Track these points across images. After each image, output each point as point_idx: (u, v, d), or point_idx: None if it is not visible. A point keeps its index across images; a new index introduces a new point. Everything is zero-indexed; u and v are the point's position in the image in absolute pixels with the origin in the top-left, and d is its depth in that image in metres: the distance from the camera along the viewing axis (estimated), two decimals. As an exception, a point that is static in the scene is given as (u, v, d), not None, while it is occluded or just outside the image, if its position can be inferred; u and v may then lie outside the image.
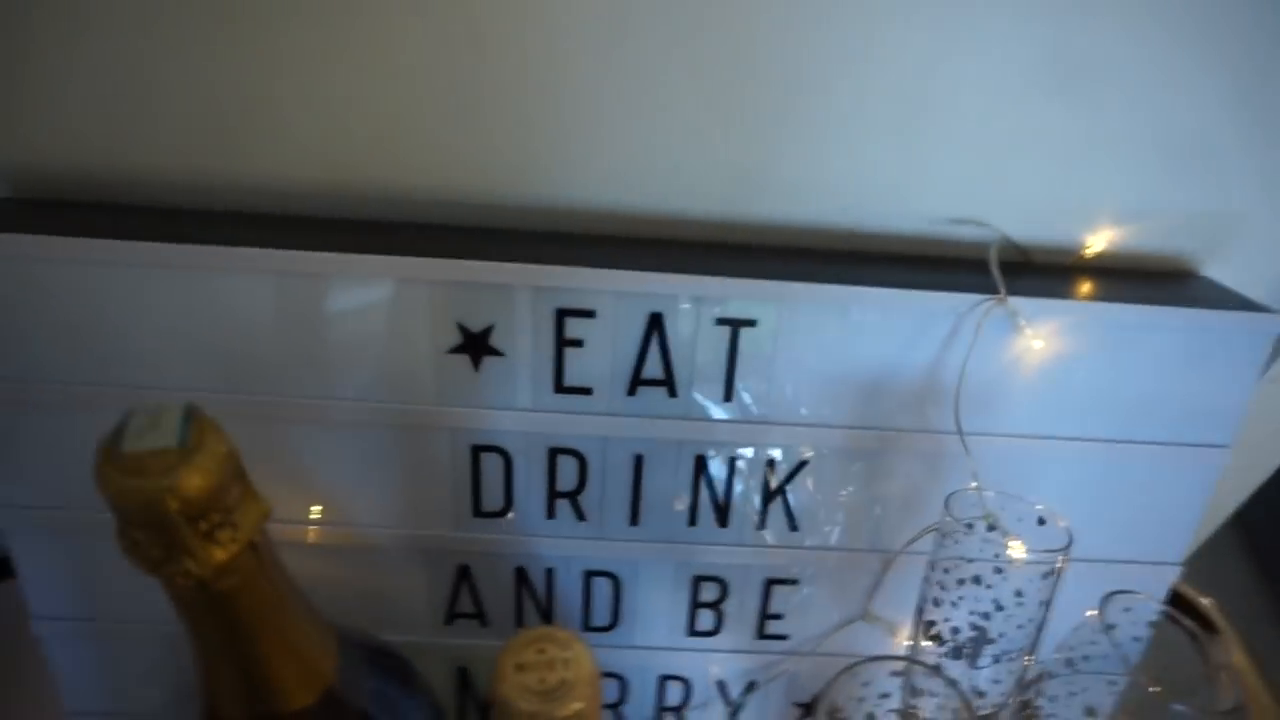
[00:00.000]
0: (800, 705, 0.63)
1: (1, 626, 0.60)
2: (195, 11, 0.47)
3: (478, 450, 0.52)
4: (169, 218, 0.51)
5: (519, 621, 0.58)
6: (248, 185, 0.52)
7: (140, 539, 0.28)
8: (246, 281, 0.47)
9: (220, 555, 0.29)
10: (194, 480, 0.28)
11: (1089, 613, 0.40)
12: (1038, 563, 0.43)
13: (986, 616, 0.43)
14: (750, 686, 0.61)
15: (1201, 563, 0.58)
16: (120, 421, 0.29)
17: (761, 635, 0.59)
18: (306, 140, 0.51)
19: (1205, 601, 0.61)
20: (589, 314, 0.48)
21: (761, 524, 0.55)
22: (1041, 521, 0.45)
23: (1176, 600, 0.61)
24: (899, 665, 0.36)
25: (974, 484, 0.49)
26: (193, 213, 0.52)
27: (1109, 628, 0.39)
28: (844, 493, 0.54)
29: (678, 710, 0.62)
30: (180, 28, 0.47)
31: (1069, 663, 0.39)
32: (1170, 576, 0.57)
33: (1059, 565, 0.43)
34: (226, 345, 0.49)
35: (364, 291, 0.48)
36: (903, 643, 0.59)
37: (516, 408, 0.51)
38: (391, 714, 0.43)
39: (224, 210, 0.52)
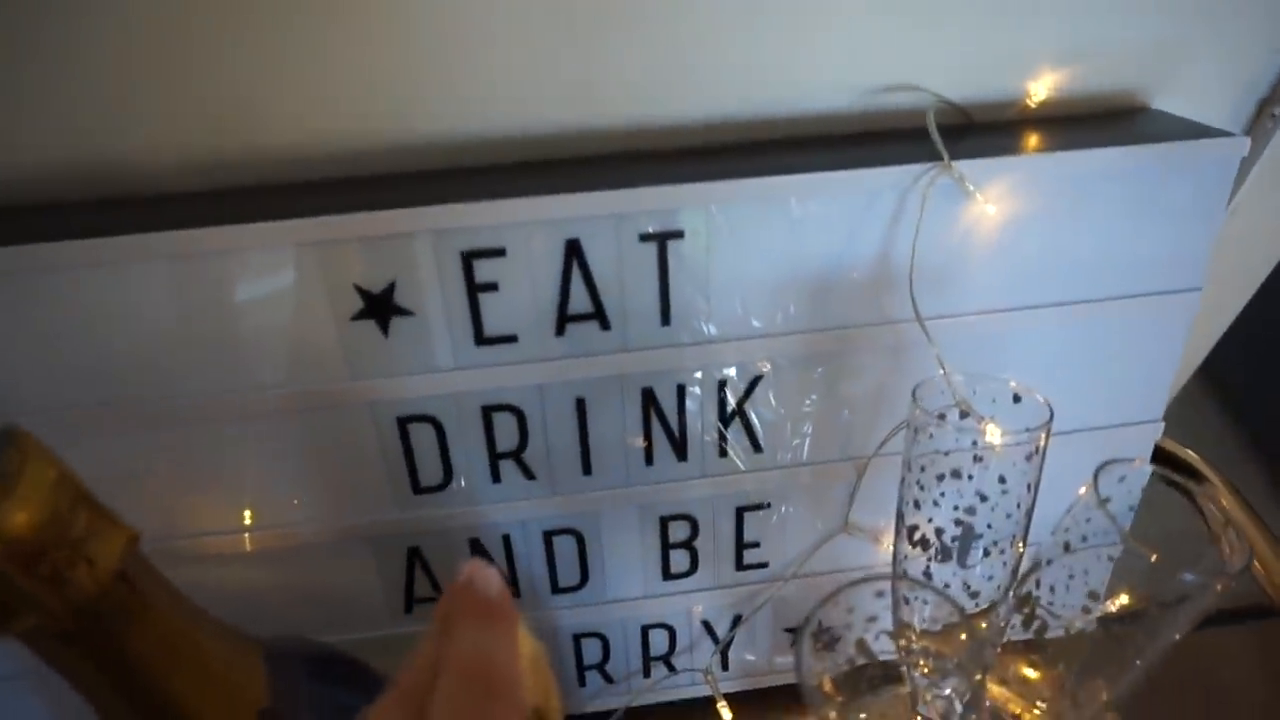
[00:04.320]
0: (791, 630, 0.60)
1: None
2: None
3: (404, 422, 0.47)
4: (15, 215, 0.45)
5: (483, 596, 0.54)
6: (88, 169, 0.46)
7: (-32, 598, 0.23)
8: (117, 274, 0.41)
9: (75, 596, 0.24)
10: (16, 518, 0.23)
11: (1081, 489, 0.36)
12: (1018, 444, 0.40)
13: (971, 511, 0.40)
14: (736, 621, 0.58)
15: (1172, 413, 0.55)
16: (-82, 460, 0.24)
17: (740, 566, 0.56)
18: (154, 112, 0.44)
19: (1190, 454, 0.58)
20: (499, 252, 0.43)
21: (723, 451, 0.51)
22: (1017, 399, 0.42)
23: (1160, 456, 0.58)
24: (881, 585, 0.33)
25: (941, 371, 0.45)
26: (36, 207, 0.46)
27: (1104, 501, 0.36)
28: (806, 403, 0.50)
29: (665, 658, 0.59)
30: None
31: (1065, 546, 0.36)
32: (1153, 435, 0.55)
33: (1041, 443, 0.39)
34: (108, 348, 0.43)
35: (249, 267, 0.42)
36: (888, 549, 0.56)
37: (438, 369, 0.46)
38: (347, 723, 0.38)
39: (70, 201, 0.46)
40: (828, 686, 0.33)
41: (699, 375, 0.48)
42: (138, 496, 0.47)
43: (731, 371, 0.48)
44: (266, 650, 0.36)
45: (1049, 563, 0.36)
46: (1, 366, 0.43)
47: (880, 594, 0.33)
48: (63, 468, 0.25)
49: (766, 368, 0.49)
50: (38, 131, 0.44)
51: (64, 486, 0.24)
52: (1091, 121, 0.51)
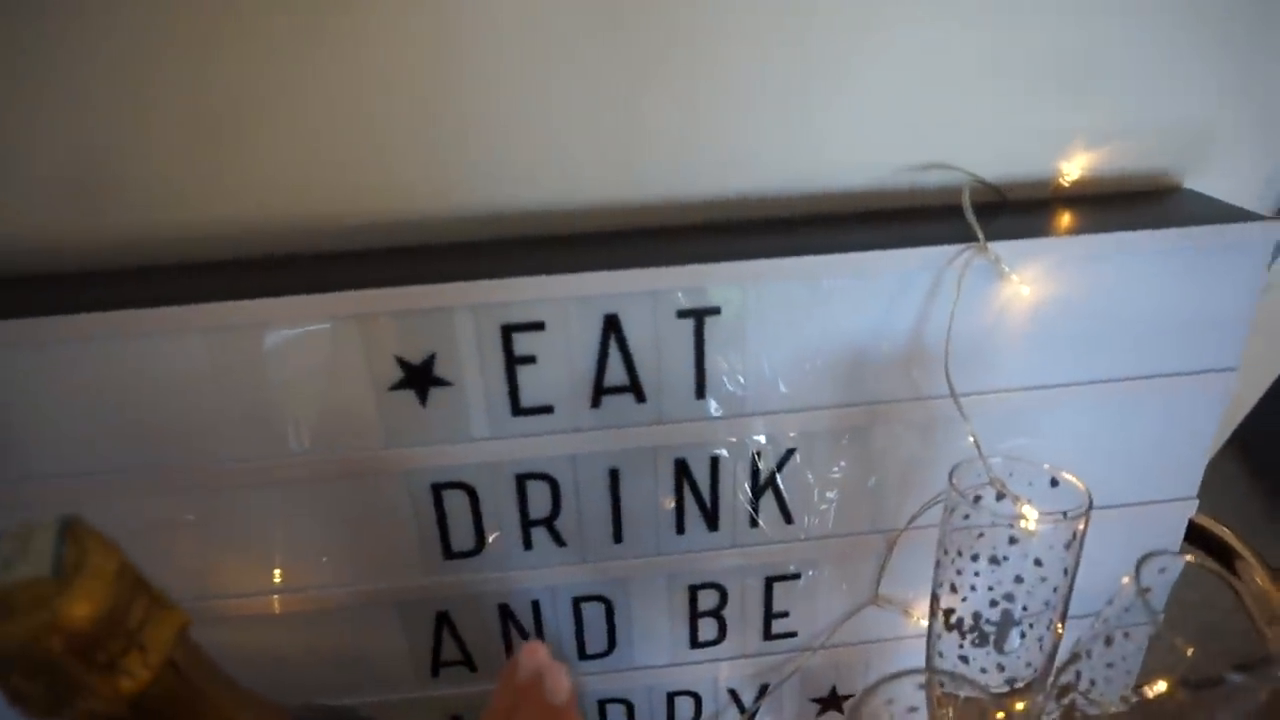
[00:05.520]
0: (817, 700, 0.59)
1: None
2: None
3: (439, 489, 0.47)
4: (52, 285, 0.46)
5: (510, 661, 0.53)
6: (132, 239, 0.47)
7: (25, 688, 0.23)
8: (161, 344, 0.42)
9: (129, 685, 0.25)
10: (77, 609, 0.23)
11: (1123, 580, 0.36)
12: (1056, 529, 0.40)
13: (1010, 597, 0.40)
14: (763, 690, 0.57)
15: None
16: (-18, 550, 0.24)
17: (768, 636, 0.55)
18: (197, 183, 0.46)
19: (1225, 530, 0.58)
20: (538, 326, 0.44)
21: (754, 521, 0.51)
22: (1054, 483, 0.41)
23: (1192, 531, 0.58)
24: (921, 678, 0.32)
25: (978, 452, 0.45)
26: (71, 276, 0.47)
27: (1144, 591, 0.35)
28: (837, 475, 0.50)
29: (692, 725, 0.58)
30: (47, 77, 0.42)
31: (1107, 640, 0.35)
32: (1187, 512, 0.54)
33: (1080, 530, 0.39)
34: (144, 414, 0.44)
35: (291, 337, 0.43)
36: (918, 622, 0.55)
37: (474, 438, 0.46)
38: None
39: (102, 270, 0.47)
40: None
41: (732, 447, 0.48)
42: (169, 557, 0.47)
43: (764, 443, 0.49)
44: (300, 723, 0.36)
45: (1089, 655, 0.36)
46: (38, 431, 0.43)
47: (921, 686, 0.33)
48: (123, 558, 0.25)
49: (797, 440, 0.49)
50: (68, 200, 0.45)
51: (122, 576, 0.25)
52: (1124, 201, 0.51)
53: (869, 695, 0.31)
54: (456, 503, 0.48)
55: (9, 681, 0.24)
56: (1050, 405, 0.49)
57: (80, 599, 0.23)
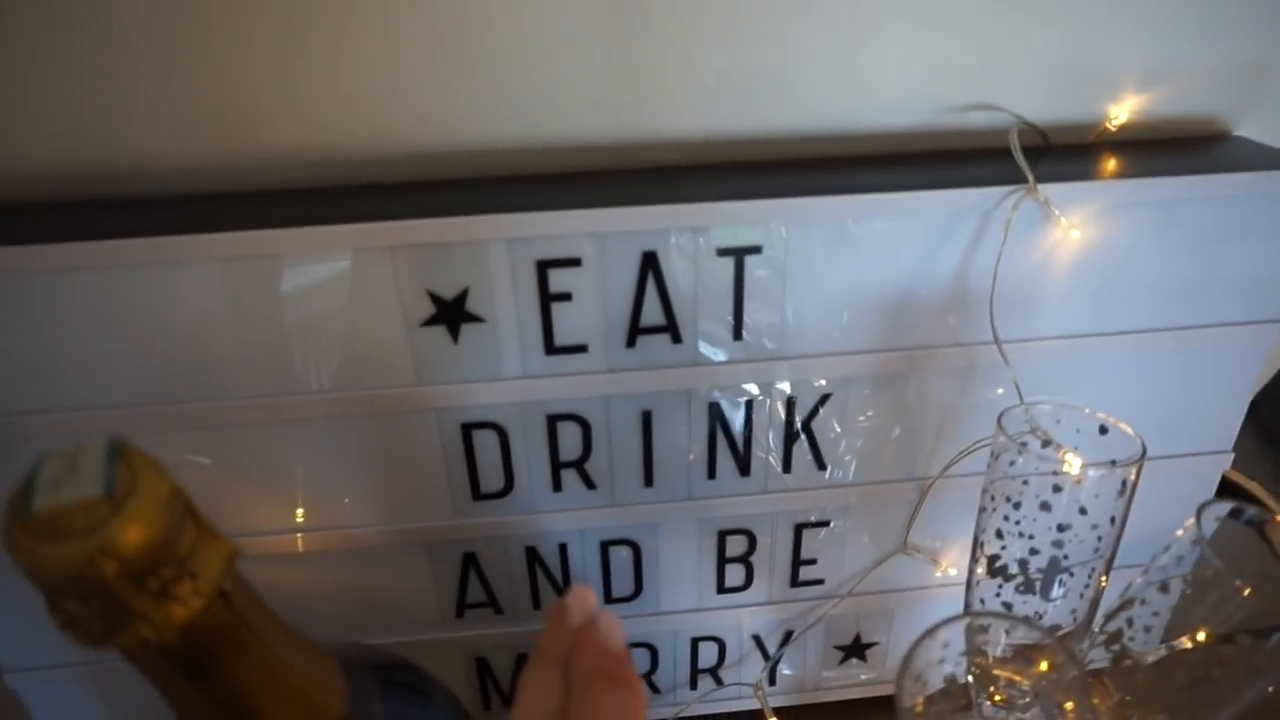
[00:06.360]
0: (840, 648, 0.59)
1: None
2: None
3: (469, 428, 0.46)
4: (77, 212, 0.44)
5: (535, 605, 0.53)
6: (165, 166, 0.45)
7: (77, 612, 0.23)
8: (186, 273, 0.41)
9: (181, 613, 0.24)
10: (132, 533, 0.22)
11: (1179, 531, 0.35)
12: (1104, 475, 0.39)
13: (1059, 544, 0.39)
14: (788, 637, 0.57)
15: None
16: (29, 471, 0.23)
17: (795, 583, 0.55)
18: (229, 106, 0.44)
19: (1256, 486, 0.57)
20: (574, 262, 0.42)
21: (786, 467, 0.50)
22: (1104, 430, 0.41)
23: (1224, 487, 0.57)
24: (987, 620, 0.32)
25: (1017, 395, 0.45)
26: (104, 203, 0.45)
27: (1202, 540, 0.35)
28: (872, 422, 0.50)
29: (713, 671, 0.58)
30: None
31: (1164, 587, 0.35)
32: (1222, 466, 0.54)
33: (1132, 477, 0.38)
34: (173, 349, 0.43)
35: (320, 268, 0.42)
36: (946, 571, 0.55)
37: (505, 377, 0.45)
38: (412, 734, 0.38)
39: (140, 197, 0.46)
40: (920, 707, 0.33)
41: (768, 390, 0.47)
42: (193, 493, 0.46)
43: (800, 388, 0.48)
44: (341, 662, 0.35)
45: (1143, 602, 0.35)
46: (56, 366, 0.42)
47: (983, 629, 0.32)
48: (174, 482, 0.24)
49: (834, 386, 0.48)
50: (74, 126, 0.44)
51: (174, 500, 0.24)
52: (1171, 147, 0.50)
53: (927, 639, 0.31)
54: (486, 443, 0.47)
55: (60, 605, 0.23)
56: (1089, 354, 0.48)
57: (135, 521, 0.22)
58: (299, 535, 0.49)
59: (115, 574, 0.22)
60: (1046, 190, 0.43)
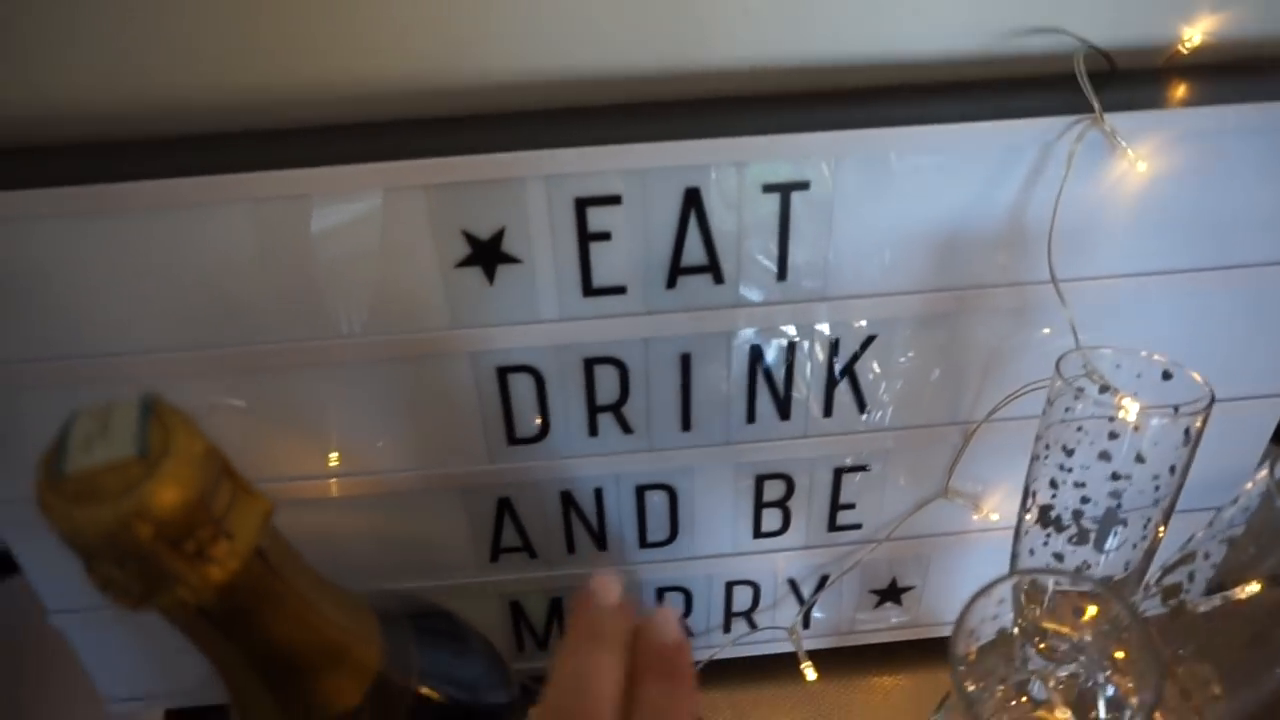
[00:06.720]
0: (876, 592, 0.58)
1: (14, 624, 0.55)
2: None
3: (504, 372, 0.45)
4: (102, 154, 0.43)
5: (570, 549, 0.53)
6: (193, 101, 0.43)
7: (113, 574, 0.22)
8: (215, 215, 0.39)
9: (219, 574, 0.23)
10: (167, 495, 0.21)
11: (1248, 485, 0.34)
12: (1166, 423, 0.37)
13: (1116, 495, 0.38)
14: (823, 582, 0.56)
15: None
16: (60, 430, 0.22)
17: (833, 527, 0.54)
18: (255, 39, 0.42)
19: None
20: (614, 200, 0.41)
21: (827, 411, 0.49)
22: (1167, 375, 0.39)
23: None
24: (1043, 578, 0.31)
25: (1076, 340, 0.43)
26: (131, 144, 0.43)
27: (1272, 492, 0.33)
28: (915, 365, 0.48)
29: (747, 614, 0.58)
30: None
31: (1231, 542, 0.34)
32: (1278, 409, 0.52)
33: (1199, 425, 0.37)
34: (202, 293, 0.41)
35: (351, 208, 0.40)
36: (987, 516, 0.54)
37: (542, 319, 0.44)
38: (448, 683, 0.37)
39: (164, 137, 0.44)
40: (973, 656, 0.32)
41: (810, 332, 0.46)
42: (224, 440, 0.46)
43: (844, 330, 0.46)
44: (377, 611, 0.35)
45: (1206, 556, 0.34)
46: (87, 311, 0.41)
47: (1059, 587, 0.31)
48: (206, 439, 0.23)
49: (880, 328, 0.46)
50: (98, 66, 0.42)
51: (210, 459, 0.23)
52: (1245, 72, 0.46)
53: (982, 596, 0.30)
54: (522, 386, 0.46)
55: (97, 568, 0.22)
56: (1144, 293, 0.46)
57: (170, 483, 0.21)
58: (333, 480, 0.48)
59: (150, 537, 0.21)
60: (1113, 120, 0.41)
